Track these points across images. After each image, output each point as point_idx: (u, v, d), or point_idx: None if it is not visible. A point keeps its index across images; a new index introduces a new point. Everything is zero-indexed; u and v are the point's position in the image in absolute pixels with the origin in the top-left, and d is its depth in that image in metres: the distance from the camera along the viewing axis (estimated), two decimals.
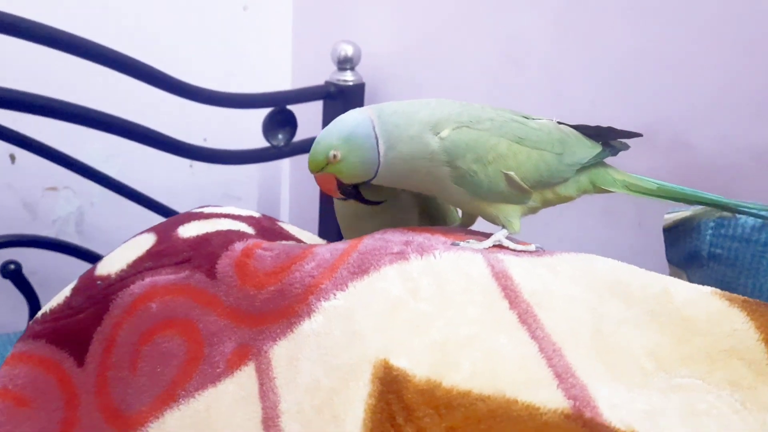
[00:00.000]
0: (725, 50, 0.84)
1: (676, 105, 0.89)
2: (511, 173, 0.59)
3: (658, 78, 0.90)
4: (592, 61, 0.96)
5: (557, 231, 0.93)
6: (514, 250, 0.58)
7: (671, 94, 0.89)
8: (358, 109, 0.62)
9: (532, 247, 0.59)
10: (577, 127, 0.65)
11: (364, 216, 0.68)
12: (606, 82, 0.95)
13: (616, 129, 0.64)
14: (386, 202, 0.66)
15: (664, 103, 0.90)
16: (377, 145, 0.59)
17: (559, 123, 0.64)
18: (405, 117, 0.59)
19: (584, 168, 0.63)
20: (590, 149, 0.63)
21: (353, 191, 0.62)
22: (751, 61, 0.82)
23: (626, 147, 0.67)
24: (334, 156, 0.59)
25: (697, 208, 0.70)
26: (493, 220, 0.62)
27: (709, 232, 0.69)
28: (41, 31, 0.78)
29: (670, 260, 0.72)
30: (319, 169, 0.60)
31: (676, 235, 0.71)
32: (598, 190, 0.65)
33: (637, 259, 0.67)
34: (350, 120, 0.60)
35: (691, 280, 0.69)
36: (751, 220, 0.68)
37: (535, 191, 0.61)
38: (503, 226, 0.61)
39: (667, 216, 0.71)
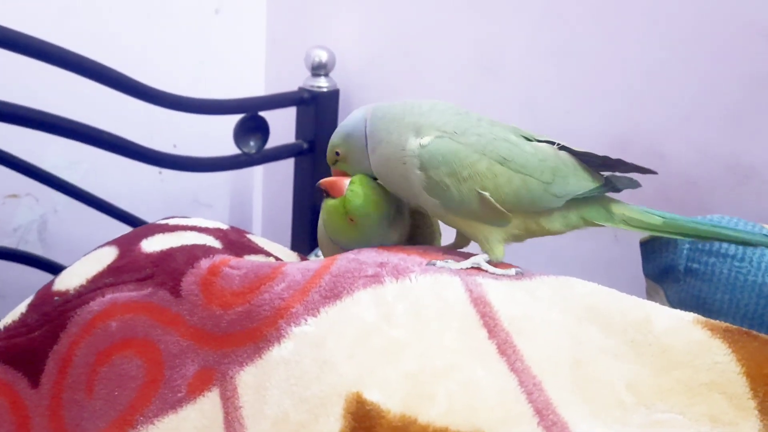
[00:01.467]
0: (700, 61, 0.84)
1: (651, 115, 0.89)
2: (486, 194, 0.56)
3: (632, 88, 0.90)
4: (567, 70, 0.96)
5: (533, 243, 0.92)
6: (493, 274, 0.56)
7: (645, 104, 0.90)
8: (363, 108, 0.63)
9: (512, 272, 0.57)
10: (583, 154, 0.61)
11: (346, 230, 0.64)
12: (580, 92, 0.95)
13: (626, 162, 0.61)
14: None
15: (638, 113, 0.90)
16: (366, 146, 0.61)
17: (562, 148, 0.60)
18: (391, 120, 0.60)
19: (576, 201, 0.60)
20: (587, 182, 0.60)
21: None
22: (725, 72, 0.83)
23: (635, 185, 0.62)
24: (337, 153, 0.63)
25: None
26: (475, 240, 0.61)
27: (686, 246, 0.68)
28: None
29: (646, 274, 0.72)
30: (333, 164, 0.65)
31: (652, 249, 0.71)
32: (591, 224, 0.62)
33: (613, 273, 0.66)
34: (351, 119, 0.63)
35: (667, 295, 0.69)
36: None
37: (516, 217, 0.58)
38: (485, 251, 0.59)
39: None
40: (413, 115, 0.59)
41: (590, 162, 0.61)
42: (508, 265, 0.58)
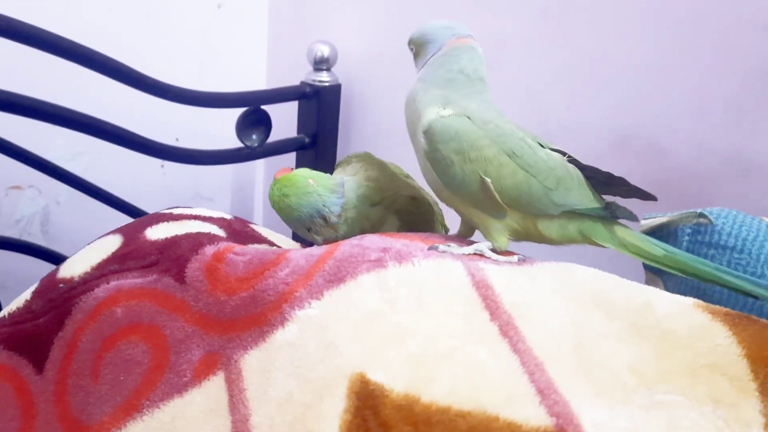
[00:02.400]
0: (700, 55, 0.84)
1: (651, 109, 0.89)
2: (488, 180, 0.56)
3: (632, 82, 0.90)
4: (567, 65, 0.96)
5: None
6: (495, 261, 0.57)
7: (645, 98, 0.90)
8: (456, 27, 0.65)
9: (515, 259, 0.57)
10: (590, 169, 0.61)
11: None
12: (580, 86, 0.95)
13: (627, 182, 0.61)
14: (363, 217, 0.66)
15: (638, 107, 0.90)
16: (426, 58, 0.65)
17: (572, 161, 0.61)
18: (447, 70, 0.62)
19: (578, 216, 0.60)
20: (588, 200, 0.60)
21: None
22: (725, 66, 0.83)
23: (633, 218, 0.62)
24: (412, 48, 0.69)
25: (674, 214, 0.69)
26: (478, 227, 0.61)
27: (686, 238, 0.68)
28: (3, 23, 0.75)
29: (646, 267, 0.72)
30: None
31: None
32: (589, 241, 0.61)
33: (613, 264, 0.66)
34: (438, 30, 0.65)
35: (667, 287, 0.69)
36: (727, 227, 0.68)
37: (513, 211, 0.59)
38: (488, 239, 0.60)
39: (643, 221, 0.70)
40: (457, 87, 0.61)
41: (594, 179, 0.61)
42: (511, 253, 0.59)
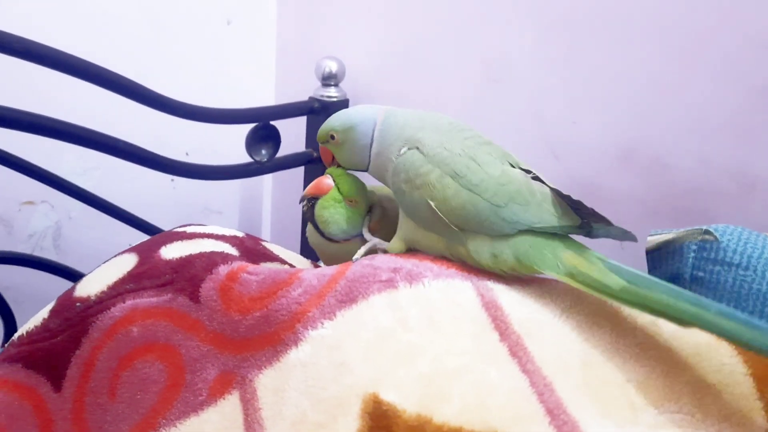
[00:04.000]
0: (704, 71, 0.85)
1: (656, 125, 0.90)
2: (432, 203, 0.58)
3: (637, 98, 0.91)
4: (572, 80, 0.97)
5: None
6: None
7: (650, 114, 0.90)
8: (374, 107, 0.66)
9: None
10: (555, 191, 0.59)
11: (337, 252, 0.71)
12: (586, 102, 0.96)
13: (584, 205, 0.57)
14: (359, 242, 0.68)
15: (643, 123, 0.91)
16: (371, 146, 0.64)
17: (535, 178, 0.59)
18: (397, 130, 0.63)
19: (529, 234, 0.57)
20: (550, 216, 0.56)
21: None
22: (730, 83, 0.83)
23: (628, 237, 0.59)
24: (332, 137, 0.66)
25: (680, 231, 0.70)
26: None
27: (692, 255, 0.69)
28: (17, 44, 0.76)
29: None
30: (323, 142, 0.68)
31: (659, 257, 0.71)
32: (529, 270, 0.56)
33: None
34: (360, 113, 0.66)
35: None
36: (733, 244, 0.68)
37: (467, 234, 0.58)
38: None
39: (650, 238, 0.71)
40: (412, 128, 0.62)
41: (569, 202, 0.58)
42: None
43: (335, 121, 0.66)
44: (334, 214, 0.67)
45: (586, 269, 0.53)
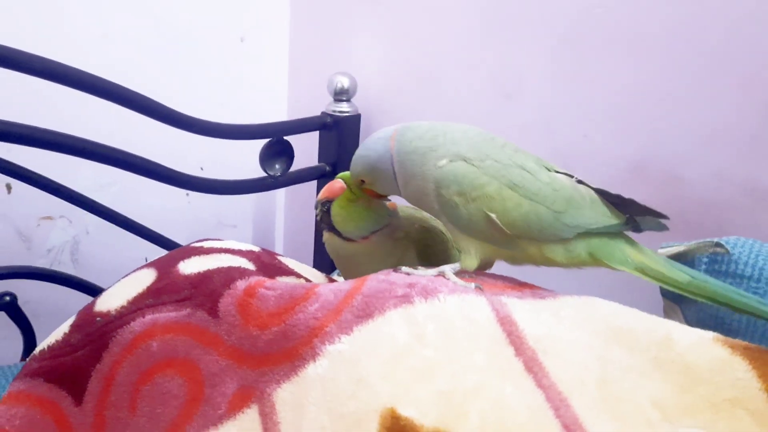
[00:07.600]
0: (717, 85, 0.85)
1: (670, 139, 0.90)
2: (493, 215, 0.58)
3: (651, 112, 0.91)
4: (586, 95, 0.97)
5: None
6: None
7: (665, 128, 0.90)
8: (385, 136, 0.65)
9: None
10: (597, 191, 0.61)
11: (355, 254, 0.72)
12: (599, 117, 0.96)
13: (637, 203, 0.61)
14: (378, 240, 0.70)
15: (657, 137, 0.91)
16: (395, 178, 0.64)
17: (580, 182, 0.61)
18: (422, 154, 0.61)
19: (589, 236, 0.60)
20: (604, 217, 0.60)
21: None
22: (744, 97, 0.83)
23: (660, 227, 0.62)
24: (363, 182, 0.68)
25: (691, 243, 0.70)
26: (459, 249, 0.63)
27: (703, 267, 0.69)
28: (35, 63, 0.77)
29: (664, 294, 0.73)
30: (359, 187, 0.69)
31: None
32: (600, 263, 0.60)
33: (631, 293, 0.66)
34: (373, 149, 0.65)
35: (685, 315, 0.70)
36: (744, 256, 0.69)
37: (522, 240, 0.60)
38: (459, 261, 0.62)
39: (661, 250, 0.71)
40: (443, 148, 0.61)
41: (609, 199, 0.61)
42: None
43: (357, 167, 0.67)
44: (351, 212, 0.70)
45: (654, 264, 0.58)
